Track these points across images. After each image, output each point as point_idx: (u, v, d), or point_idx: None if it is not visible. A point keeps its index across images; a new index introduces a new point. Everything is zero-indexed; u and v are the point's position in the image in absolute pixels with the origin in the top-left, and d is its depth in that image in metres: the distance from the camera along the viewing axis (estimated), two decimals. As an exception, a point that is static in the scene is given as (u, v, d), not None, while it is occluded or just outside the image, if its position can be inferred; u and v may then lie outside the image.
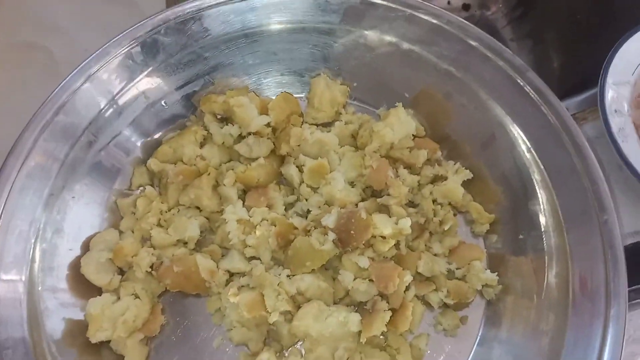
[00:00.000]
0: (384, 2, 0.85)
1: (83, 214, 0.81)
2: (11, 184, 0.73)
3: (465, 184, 0.85)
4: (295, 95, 0.94)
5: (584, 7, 1.25)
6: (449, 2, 1.52)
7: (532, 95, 0.78)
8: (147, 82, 0.85)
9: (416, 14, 0.85)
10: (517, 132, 0.79)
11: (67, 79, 0.79)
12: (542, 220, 0.76)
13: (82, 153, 0.80)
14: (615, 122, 0.84)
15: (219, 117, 0.91)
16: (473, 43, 0.82)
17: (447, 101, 0.88)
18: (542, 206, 0.76)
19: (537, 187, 0.76)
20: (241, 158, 0.88)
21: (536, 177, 0.77)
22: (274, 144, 0.87)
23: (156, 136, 0.90)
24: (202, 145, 0.89)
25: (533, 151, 0.78)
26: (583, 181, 0.72)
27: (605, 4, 1.19)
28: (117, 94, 0.82)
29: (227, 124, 0.89)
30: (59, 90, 0.78)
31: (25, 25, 1.05)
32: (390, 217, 0.79)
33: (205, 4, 0.85)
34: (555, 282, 0.72)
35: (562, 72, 1.31)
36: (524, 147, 0.79)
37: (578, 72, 1.24)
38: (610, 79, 0.86)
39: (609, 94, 0.85)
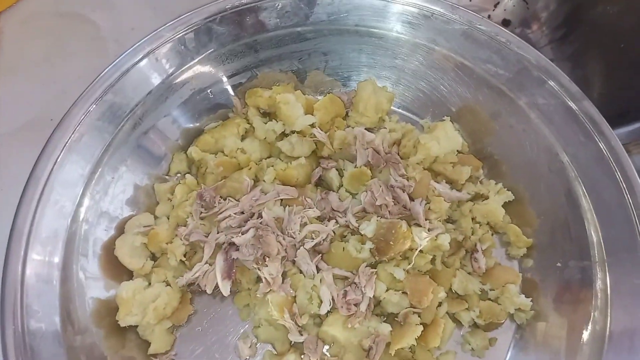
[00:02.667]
0: (443, 13, 0.84)
1: (120, 195, 0.80)
2: (55, 159, 0.72)
3: (504, 205, 0.84)
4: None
5: (629, 36, 1.24)
6: (489, 17, 1.51)
7: (586, 124, 0.77)
8: (197, 70, 0.84)
9: (474, 28, 0.84)
10: (565, 159, 0.78)
11: (119, 59, 0.78)
12: (583, 251, 0.75)
13: (126, 134, 0.79)
14: (662, 159, 0.83)
15: (261, 111, 0.91)
16: (530, 65, 0.81)
17: (495, 120, 0.87)
18: (584, 237, 0.75)
19: (582, 218, 0.75)
20: (281, 155, 0.88)
21: (582, 207, 0.76)
22: (316, 145, 0.87)
23: (198, 124, 0.89)
24: (243, 138, 0.89)
25: (581, 181, 0.77)
26: (631, 217, 0.71)
27: (652, 35, 1.18)
28: (166, 78, 0.82)
29: (269, 119, 0.89)
30: (110, 69, 0.77)
31: (75, -5, 1.05)
32: (428, 231, 0.78)
33: (263, -4, 0.84)
34: (592, 316, 0.71)
35: (602, 100, 1.29)
36: (571, 176, 0.78)
37: (618, 102, 1.22)
38: (663, 115, 0.84)
39: (660, 130, 0.84)
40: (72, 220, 0.72)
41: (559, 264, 0.78)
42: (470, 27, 0.83)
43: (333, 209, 0.82)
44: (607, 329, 0.69)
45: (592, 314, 0.72)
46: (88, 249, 0.74)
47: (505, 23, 1.49)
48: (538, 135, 0.81)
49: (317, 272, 0.77)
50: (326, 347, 0.77)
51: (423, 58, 0.88)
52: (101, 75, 0.76)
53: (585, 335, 0.72)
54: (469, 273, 0.81)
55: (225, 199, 0.81)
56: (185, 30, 0.81)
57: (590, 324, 0.71)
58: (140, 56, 0.78)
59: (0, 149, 0.92)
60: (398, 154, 0.86)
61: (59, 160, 0.72)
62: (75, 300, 0.71)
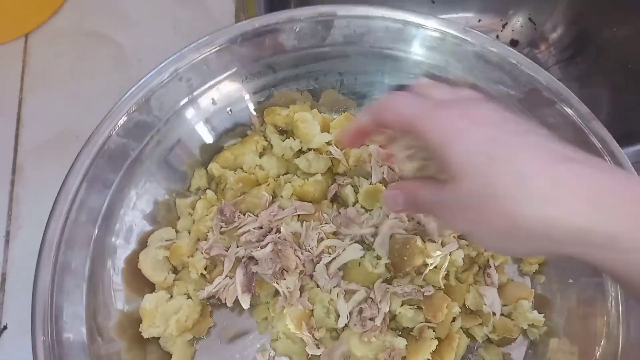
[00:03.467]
0: (455, 35, 0.87)
1: (143, 210, 0.83)
2: (83, 175, 0.75)
3: (516, 222, 0.86)
4: (352, 116, 0.96)
5: (636, 58, 1.26)
6: (497, 37, 1.54)
7: (596, 144, 0.79)
8: (218, 89, 0.87)
9: (486, 51, 0.86)
10: (576, 178, 0.80)
11: (145, 78, 0.81)
12: (594, 268, 0.76)
13: (150, 151, 0.82)
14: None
15: (279, 129, 0.93)
16: (540, 86, 0.84)
17: (506, 139, 0.89)
18: (596, 254, 0.77)
19: (593, 235, 0.77)
20: (298, 172, 0.90)
21: (592, 224, 0.78)
22: (332, 162, 0.89)
23: (218, 141, 0.92)
24: (261, 155, 0.91)
25: (591, 199, 0.78)
26: (641, 235, 0.73)
27: (660, 57, 1.20)
28: (190, 97, 0.85)
29: (286, 137, 0.92)
30: (137, 88, 0.80)
31: (98, 15, 1.08)
32: (442, 247, 0.80)
33: (282, 19, 0.87)
34: (605, 332, 0.72)
35: (608, 121, 1.31)
36: (582, 194, 0.79)
37: (625, 123, 1.25)
38: (670, 136, 0.87)
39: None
40: (98, 233, 0.75)
41: (570, 280, 0.80)
42: (482, 49, 0.86)
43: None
44: (620, 345, 0.70)
45: (604, 330, 0.73)
46: (114, 261, 0.76)
47: (514, 43, 1.53)
48: (549, 155, 0.83)
49: (335, 287, 0.79)
50: (343, 360, 0.78)
51: (436, 78, 0.91)
52: (128, 93, 0.79)
53: (598, 351, 0.73)
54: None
55: (244, 214, 0.84)
56: (208, 51, 0.84)
57: (602, 340, 0.73)
58: (166, 75, 0.81)
59: (26, 163, 0.95)
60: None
61: (87, 175, 0.75)
62: (101, 312, 0.73)
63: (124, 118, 0.78)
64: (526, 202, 0.37)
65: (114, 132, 0.77)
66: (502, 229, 0.38)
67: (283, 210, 0.84)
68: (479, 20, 1.55)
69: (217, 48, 0.85)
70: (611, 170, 0.41)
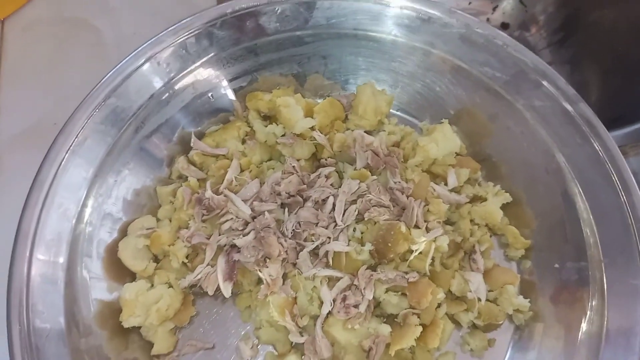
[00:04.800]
0: (440, 17, 0.85)
1: (123, 197, 0.81)
2: (59, 162, 0.73)
3: (502, 207, 0.85)
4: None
5: (625, 41, 1.25)
6: (488, 20, 1.52)
7: (582, 127, 0.78)
8: (198, 74, 0.86)
9: (472, 32, 0.85)
10: (562, 161, 0.79)
11: (121, 63, 0.79)
12: (580, 252, 0.76)
13: (128, 138, 0.80)
14: (658, 160, 0.84)
15: (262, 114, 0.92)
16: (527, 68, 0.82)
17: (492, 122, 0.87)
18: (581, 238, 0.76)
19: (579, 219, 0.76)
20: (282, 158, 0.88)
21: (578, 208, 0.77)
22: (316, 147, 0.88)
23: (199, 127, 0.90)
24: (243, 141, 0.90)
25: (577, 182, 0.78)
26: (627, 218, 0.72)
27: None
28: (168, 82, 0.83)
29: (270, 122, 0.90)
30: (113, 73, 0.78)
31: (75, 1, 1.06)
32: (427, 233, 0.79)
33: (263, 1, 0.85)
34: (589, 316, 0.72)
35: (599, 103, 1.30)
36: (568, 177, 0.78)
37: (615, 105, 1.23)
38: (659, 117, 0.85)
39: (656, 132, 0.85)
40: (76, 222, 0.73)
41: (556, 265, 0.79)
42: (468, 31, 0.84)
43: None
44: (604, 329, 0.70)
45: (588, 314, 0.72)
46: (92, 250, 0.75)
47: (504, 26, 1.50)
48: (535, 137, 0.82)
49: (318, 274, 0.77)
50: (327, 347, 0.77)
51: (421, 61, 0.89)
52: (104, 79, 0.78)
53: (583, 335, 0.72)
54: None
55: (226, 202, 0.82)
56: (187, 35, 0.82)
57: (587, 324, 0.72)
58: (142, 60, 0.79)
59: (3, 153, 0.93)
60: (401, 156, 0.86)
61: (62, 163, 0.73)
62: (79, 302, 0.72)
63: (101, 104, 0.76)
64: None
65: (90, 120, 0.76)
66: None
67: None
68: (469, 3, 1.52)
69: (196, 32, 0.83)
70: None
